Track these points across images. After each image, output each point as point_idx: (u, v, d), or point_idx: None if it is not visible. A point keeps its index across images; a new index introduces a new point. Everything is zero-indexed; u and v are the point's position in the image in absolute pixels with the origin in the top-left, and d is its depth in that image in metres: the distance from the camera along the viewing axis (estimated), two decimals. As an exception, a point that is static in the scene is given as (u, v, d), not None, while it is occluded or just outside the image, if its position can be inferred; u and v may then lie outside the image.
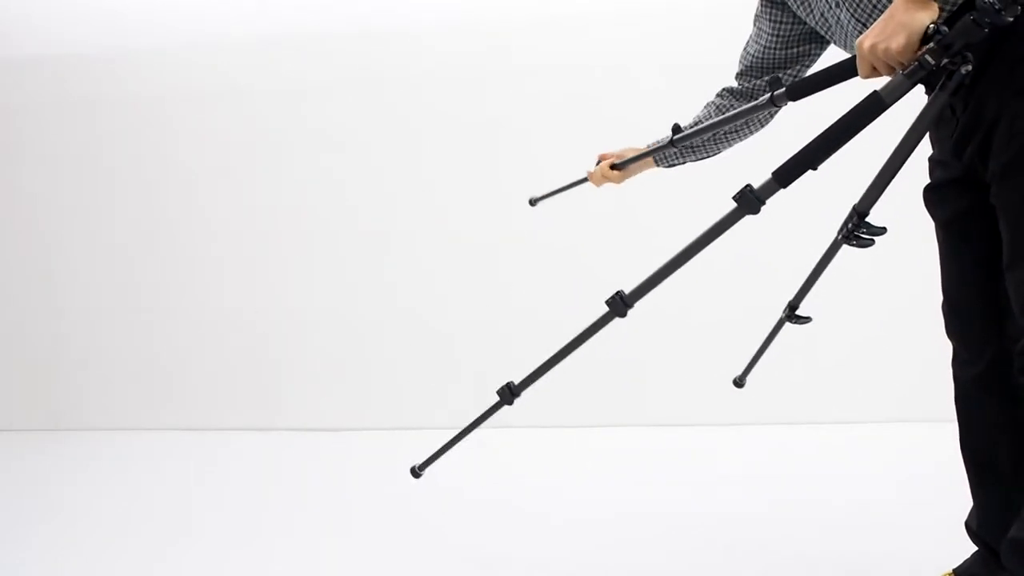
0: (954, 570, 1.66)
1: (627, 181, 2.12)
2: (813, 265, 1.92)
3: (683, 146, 1.94)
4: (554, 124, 3.57)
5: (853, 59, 1.39)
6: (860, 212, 1.50)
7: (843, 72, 1.44)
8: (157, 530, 2.57)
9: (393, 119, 3.74)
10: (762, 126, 1.93)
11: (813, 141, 1.38)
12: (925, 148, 1.61)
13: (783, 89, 1.55)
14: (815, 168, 1.40)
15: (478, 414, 1.95)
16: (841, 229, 1.54)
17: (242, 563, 2.27)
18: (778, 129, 2.15)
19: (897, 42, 1.27)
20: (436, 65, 3.69)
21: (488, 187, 3.68)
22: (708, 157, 2.02)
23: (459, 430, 1.94)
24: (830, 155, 1.38)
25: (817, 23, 1.66)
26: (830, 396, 3.35)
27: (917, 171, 1.63)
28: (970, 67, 1.28)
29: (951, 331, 1.60)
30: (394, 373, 3.76)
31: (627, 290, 1.67)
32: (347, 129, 3.79)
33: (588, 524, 2.41)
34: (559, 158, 3.54)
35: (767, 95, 1.59)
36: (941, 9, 1.27)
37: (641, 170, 2.07)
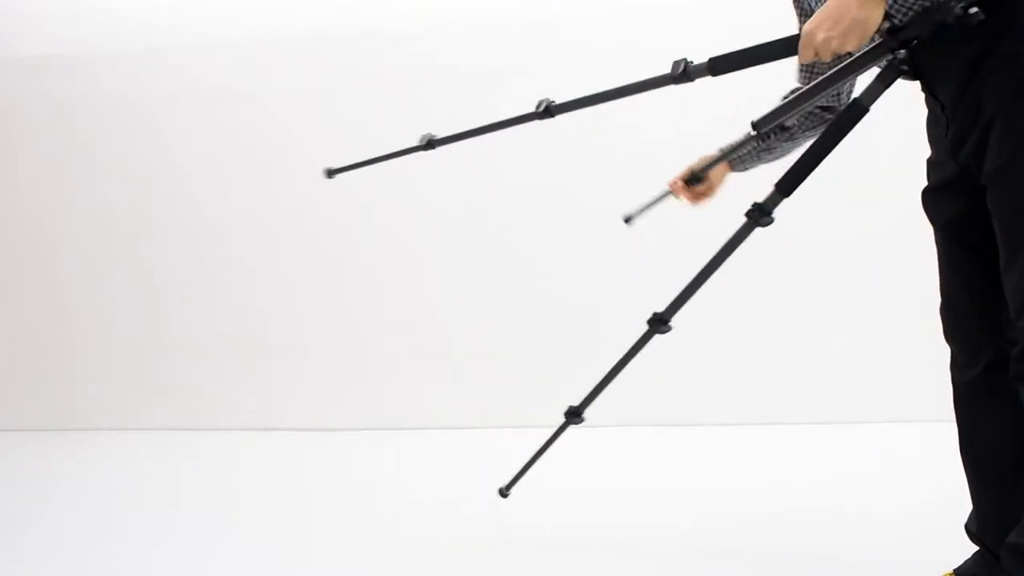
0: (954, 570, 1.66)
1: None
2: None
3: (760, 146, 1.87)
4: (554, 124, 3.56)
5: (788, 39, 1.42)
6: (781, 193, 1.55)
7: (778, 51, 1.46)
8: (157, 530, 2.57)
9: (393, 119, 3.74)
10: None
11: (807, 151, 1.48)
12: (924, 151, 1.61)
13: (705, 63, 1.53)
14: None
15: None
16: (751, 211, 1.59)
17: (242, 563, 2.27)
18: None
19: (852, 42, 1.32)
20: (436, 65, 3.69)
21: (488, 187, 3.68)
22: (782, 156, 1.92)
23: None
24: (822, 161, 1.47)
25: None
26: (830, 396, 3.35)
27: (917, 174, 1.63)
28: (903, 53, 1.37)
29: (949, 335, 1.60)
30: (394, 373, 3.76)
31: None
32: (347, 129, 3.78)
33: (588, 524, 2.41)
34: (559, 158, 3.55)
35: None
36: (887, 12, 1.31)
37: (722, 177, 1.96)
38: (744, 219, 1.59)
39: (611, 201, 3.51)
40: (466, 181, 3.69)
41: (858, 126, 1.48)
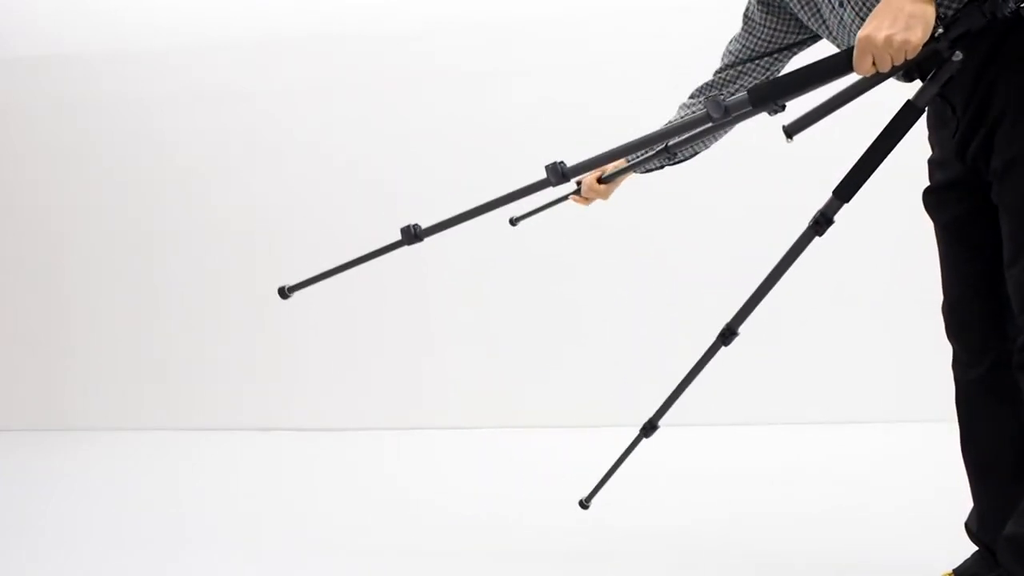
0: (954, 570, 1.66)
1: (614, 193, 2.11)
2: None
3: (662, 153, 1.89)
4: (555, 124, 3.57)
5: (837, 56, 1.37)
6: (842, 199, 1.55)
7: (829, 71, 1.38)
8: (157, 530, 2.57)
9: (393, 119, 3.74)
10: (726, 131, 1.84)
11: (863, 156, 1.45)
12: (925, 151, 1.61)
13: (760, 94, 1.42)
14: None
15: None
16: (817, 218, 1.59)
17: (242, 563, 2.27)
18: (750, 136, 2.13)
19: (915, 34, 1.26)
20: (436, 65, 3.69)
21: (488, 187, 3.67)
22: (685, 160, 1.97)
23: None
24: (878, 167, 1.45)
25: (811, 19, 1.64)
26: (830, 396, 3.35)
27: (918, 173, 1.63)
28: (961, 56, 1.31)
29: (952, 334, 1.60)
30: (394, 373, 3.76)
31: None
32: (347, 129, 3.78)
33: (588, 524, 2.41)
34: (560, 158, 3.55)
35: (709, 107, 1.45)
36: (938, 5, 1.28)
37: (623, 180, 2.05)
38: (807, 226, 1.61)
39: (611, 201, 3.52)
40: (467, 181, 3.69)
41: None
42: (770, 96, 1.41)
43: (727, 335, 1.83)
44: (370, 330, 3.79)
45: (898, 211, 3.14)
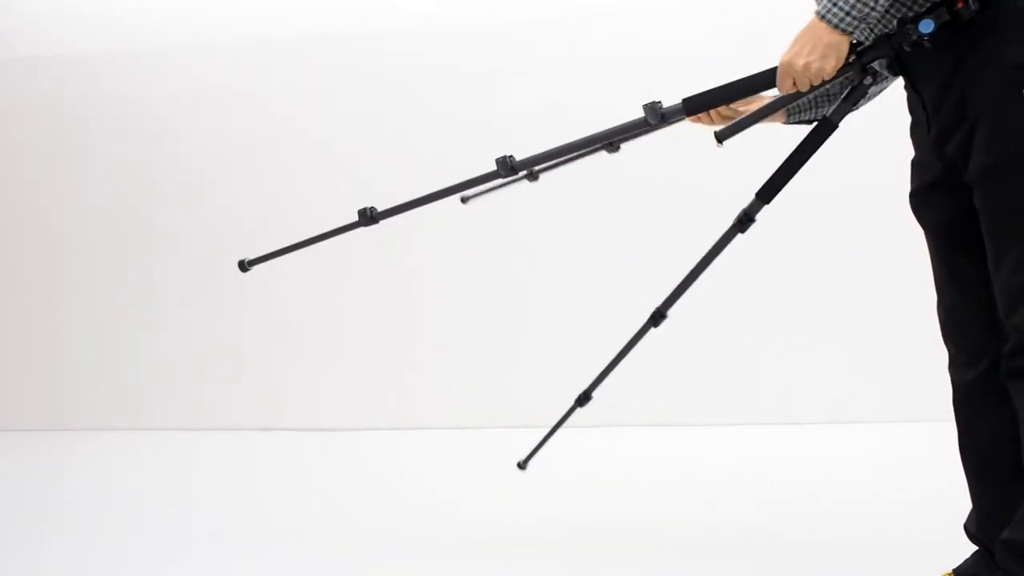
0: (954, 570, 1.66)
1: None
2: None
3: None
4: (554, 124, 3.56)
5: (763, 74, 1.51)
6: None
7: (755, 85, 1.54)
8: (156, 530, 2.57)
9: (393, 119, 3.74)
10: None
11: (782, 166, 1.62)
12: (910, 152, 1.61)
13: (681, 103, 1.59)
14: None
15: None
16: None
17: (242, 563, 2.27)
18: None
19: (829, 63, 1.42)
20: (436, 65, 3.69)
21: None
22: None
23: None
24: (795, 173, 1.63)
25: None
26: (830, 396, 3.35)
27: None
28: (871, 79, 1.51)
29: (948, 336, 1.60)
30: (394, 373, 3.76)
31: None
32: (347, 129, 3.78)
33: (589, 524, 2.41)
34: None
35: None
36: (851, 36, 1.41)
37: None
38: (731, 224, 1.76)
39: (612, 201, 3.52)
40: (465, 180, 3.68)
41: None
42: (702, 105, 1.59)
43: (657, 318, 2.09)
44: (370, 330, 3.79)
45: (898, 211, 3.14)
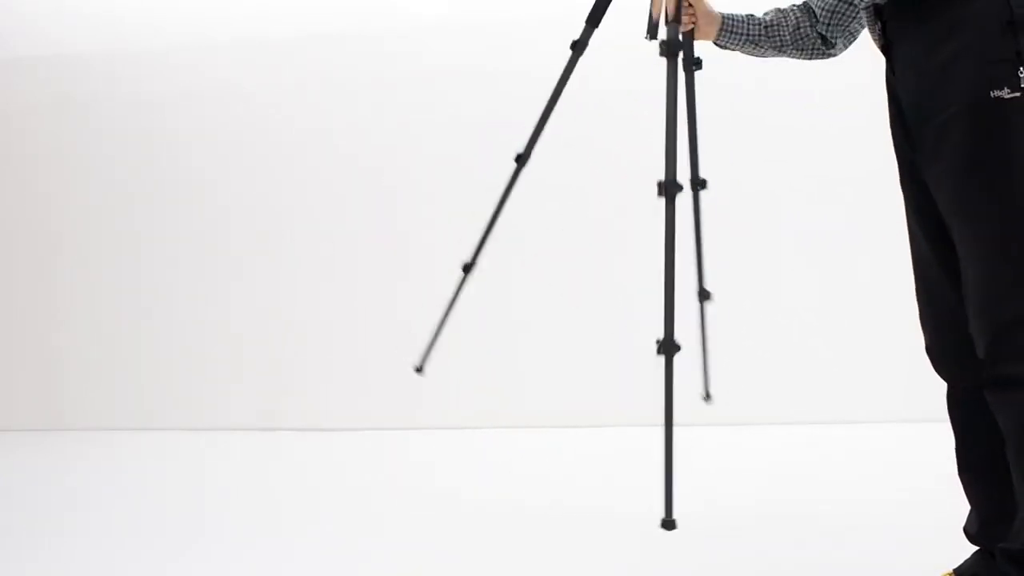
0: (954, 570, 1.66)
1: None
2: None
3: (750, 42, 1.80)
4: (555, 124, 3.56)
5: None
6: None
7: None
8: (156, 530, 2.57)
9: (393, 119, 3.74)
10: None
11: None
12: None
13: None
14: None
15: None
16: None
17: (241, 563, 2.27)
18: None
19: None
20: (436, 65, 3.69)
21: (488, 187, 3.67)
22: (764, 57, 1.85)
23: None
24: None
25: None
26: (830, 396, 3.35)
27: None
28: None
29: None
30: (394, 373, 3.76)
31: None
32: (347, 129, 3.78)
33: (589, 524, 2.41)
34: (560, 158, 3.55)
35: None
36: None
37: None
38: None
39: (611, 201, 3.52)
40: (466, 181, 3.69)
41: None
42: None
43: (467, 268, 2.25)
44: (370, 330, 3.79)
45: (897, 211, 3.15)
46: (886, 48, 1.50)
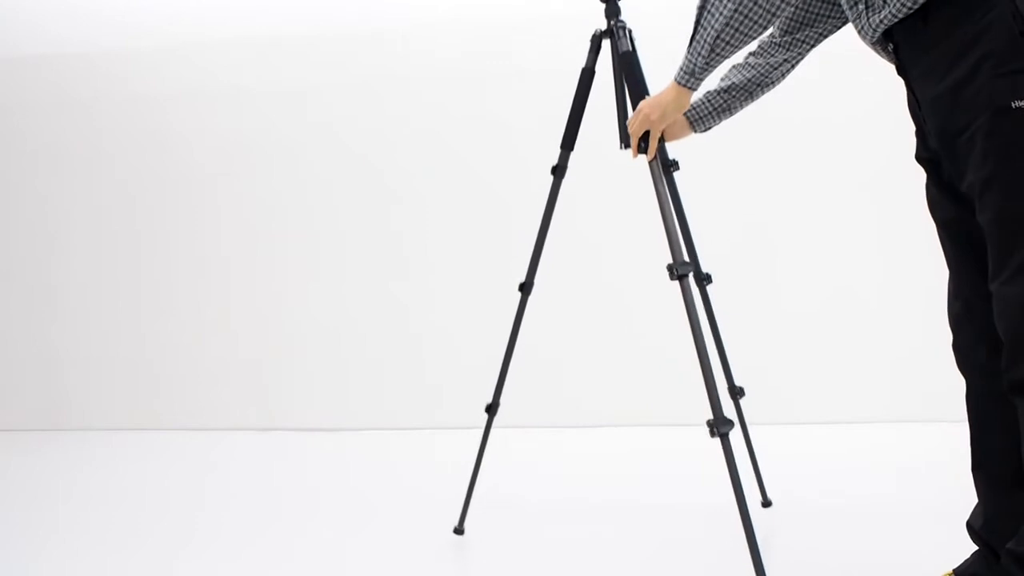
0: (954, 570, 1.66)
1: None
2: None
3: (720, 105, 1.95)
4: (555, 124, 3.57)
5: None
6: None
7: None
8: (156, 530, 2.57)
9: (393, 119, 3.75)
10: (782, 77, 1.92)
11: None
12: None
13: None
14: None
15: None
16: None
17: (241, 563, 2.27)
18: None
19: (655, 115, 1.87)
20: (436, 65, 3.69)
21: (488, 187, 3.68)
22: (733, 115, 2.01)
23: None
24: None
25: None
26: (830, 396, 3.35)
27: (920, 172, 1.63)
28: None
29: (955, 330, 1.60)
30: (393, 373, 3.76)
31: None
32: (347, 129, 3.79)
33: (589, 523, 2.41)
34: (559, 158, 3.55)
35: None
36: None
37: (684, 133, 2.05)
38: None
39: (610, 201, 3.52)
40: (466, 181, 3.69)
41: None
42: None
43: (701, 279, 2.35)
44: (370, 330, 3.79)
45: (898, 211, 3.15)
46: (901, 70, 1.50)
